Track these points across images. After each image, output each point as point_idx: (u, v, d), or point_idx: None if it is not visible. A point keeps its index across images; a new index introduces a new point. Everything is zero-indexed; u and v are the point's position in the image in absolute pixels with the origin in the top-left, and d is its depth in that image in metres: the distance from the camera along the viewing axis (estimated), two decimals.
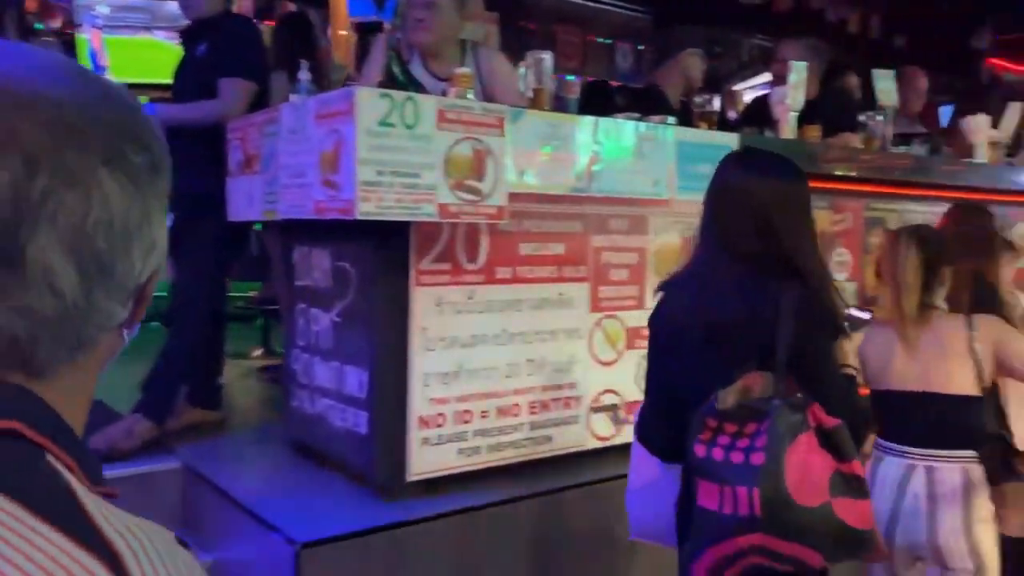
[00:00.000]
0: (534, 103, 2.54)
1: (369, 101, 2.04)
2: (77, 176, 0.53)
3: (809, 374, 1.71)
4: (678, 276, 1.93)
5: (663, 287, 1.93)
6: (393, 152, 2.07)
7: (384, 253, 2.26)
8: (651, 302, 1.96)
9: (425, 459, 2.31)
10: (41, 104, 0.53)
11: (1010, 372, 2.26)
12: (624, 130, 2.54)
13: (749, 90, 8.64)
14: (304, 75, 2.54)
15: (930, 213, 3.82)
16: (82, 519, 0.50)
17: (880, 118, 3.52)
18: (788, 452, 1.62)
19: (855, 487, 1.66)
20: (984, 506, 2.25)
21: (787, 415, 1.65)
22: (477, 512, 2.27)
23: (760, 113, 3.81)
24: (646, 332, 1.82)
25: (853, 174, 3.41)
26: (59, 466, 0.51)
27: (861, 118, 3.56)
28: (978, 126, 3.98)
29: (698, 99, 3.13)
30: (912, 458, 2.24)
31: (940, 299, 2.36)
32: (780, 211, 1.79)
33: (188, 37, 3.04)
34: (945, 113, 6.84)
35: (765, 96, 3.99)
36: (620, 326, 2.74)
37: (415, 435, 2.29)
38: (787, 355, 1.68)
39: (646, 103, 3.85)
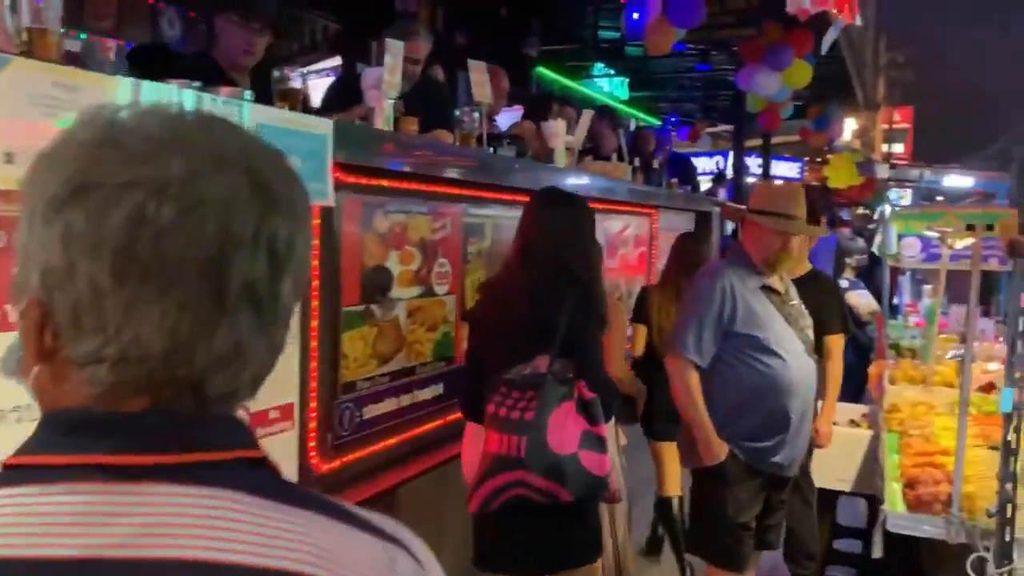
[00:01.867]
0: (32, 51, 1.64)
1: None
2: (302, 222, 0.63)
3: (579, 359, 2.30)
4: (493, 278, 2.58)
5: (482, 287, 2.59)
6: None
7: None
8: None
9: None
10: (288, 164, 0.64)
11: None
12: (182, 103, 1.77)
13: (315, 74, 8.07)
14: None
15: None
16: (360, 519, 0.61)
17: (476, 115, 3.21)
18: (552, 414, 2.21)
19: (598, 444, 2.26)
20: (616, 441, 2.88)
21: (555, 387, 2.23)
22: None
23: (346, 97, 3.25)
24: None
25: (455, 176, 3.05)
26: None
27: (456, 113, 3.22)
28: (557, 131, 3.94)
29: (276, 73, 2.45)
30: None
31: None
32: (568, 233, 2.38)
33: None
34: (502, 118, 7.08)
35: (353, 77, 3.46)
36: None
37: None
38: (563, 344, 2.22)
39: (202, 76, 3.06)
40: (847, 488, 4.14)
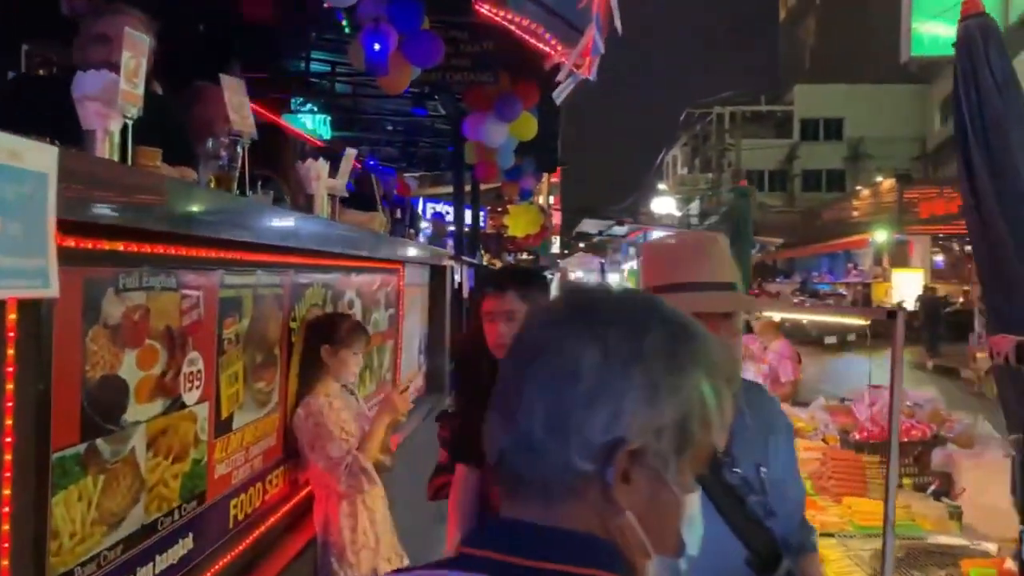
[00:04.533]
0: None
1: None
2: (564, 346, 0.80)
3: None
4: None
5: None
6: None
7: None
8: None
9: None
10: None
11: None
12: None
13: None
14: None
15: (288, 285, 2.80)
16: None
17: (240, 149, 2.33)
18: None
19: None
20: None
21: None
22: None
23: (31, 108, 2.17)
24: None
25: (211, 234, 2.13)
26: None
27: (208, 144, 2.31)
28: (318, 173, 3.14)
29: None
30: None
31: None
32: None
33: None
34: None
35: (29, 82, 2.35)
36: None
37: None
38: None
39: None
40: None
